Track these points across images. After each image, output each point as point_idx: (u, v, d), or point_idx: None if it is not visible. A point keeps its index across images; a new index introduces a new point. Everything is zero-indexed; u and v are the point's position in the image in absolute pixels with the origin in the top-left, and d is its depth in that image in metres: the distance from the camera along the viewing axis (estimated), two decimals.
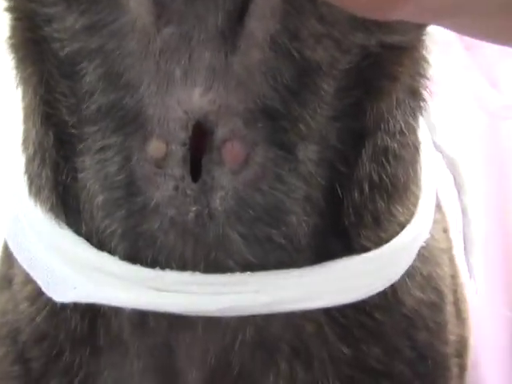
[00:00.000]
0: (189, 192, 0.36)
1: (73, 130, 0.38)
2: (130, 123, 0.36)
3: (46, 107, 0.39)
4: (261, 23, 0.33)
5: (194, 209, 0.36)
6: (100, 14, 0.34)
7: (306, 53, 0.34)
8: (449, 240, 0.48)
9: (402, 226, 0.41)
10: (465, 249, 0.50)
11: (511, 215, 0.75)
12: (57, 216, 0.40)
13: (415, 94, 0.41)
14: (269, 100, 0.35)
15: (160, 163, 0.36)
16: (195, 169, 0.36)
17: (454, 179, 0.50)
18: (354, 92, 0.37)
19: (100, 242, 0.38)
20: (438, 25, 0.30)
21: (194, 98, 0.34)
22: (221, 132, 0.35)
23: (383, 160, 0.39)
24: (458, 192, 0.51)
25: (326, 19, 0.34)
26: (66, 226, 0.39)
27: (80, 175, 0.38)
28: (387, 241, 0.40)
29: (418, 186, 0.43)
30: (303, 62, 0.35)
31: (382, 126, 0.39)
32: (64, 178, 0.39)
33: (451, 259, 0.48)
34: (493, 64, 0.90)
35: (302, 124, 0.36)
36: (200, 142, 0.35)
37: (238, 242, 0.37)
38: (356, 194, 0.39)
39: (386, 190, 0.40)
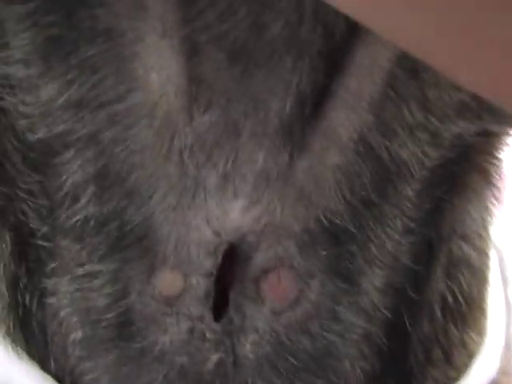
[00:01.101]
0: (208, 335, 0.26)
1: (41, 242, 0.27)
2: (131, 246, 0.25)
3: (1, 201, 0.28)
4: (347, 113, 0.24)
5: (214, 357, 0.26)
6: (99, 86, 0.23)
7: (394, 151, 0.25)
8: None
9: (472, 356, 0.32)
10: None
11: None
12: (14, 342, 0.29)
13: (491, 183, 0.31)
14: (338, 217, 0.25)
15: (172, 301, 0.25)
16: (218, 303, 0.26)
17: (501, 272, 0.42)
18: (435, 193, 0.27)
19: None
20: None
21: (233, 215, 0.24)
22: (262, 258, 0.25)
23: (457, 273, 0.30)
24: (504, 286, 0.43)
25: (428, 104, 0.24)
26: (26, 357, 0.29)
27: (50, 300, 0.28)
28: (456, 379, 0.31)
29: (487, 301, 0.33)
30: (390, 163, 0.25)
31: (459, 228, 0.30)
32: (27, 298, 0.28)
33: None
34: None
35: (375, 245, 0.26)
36: (228, 269, 0.25)
37: None
38: (425, 323, 0.29)
39: (460, 313, 0.30)
